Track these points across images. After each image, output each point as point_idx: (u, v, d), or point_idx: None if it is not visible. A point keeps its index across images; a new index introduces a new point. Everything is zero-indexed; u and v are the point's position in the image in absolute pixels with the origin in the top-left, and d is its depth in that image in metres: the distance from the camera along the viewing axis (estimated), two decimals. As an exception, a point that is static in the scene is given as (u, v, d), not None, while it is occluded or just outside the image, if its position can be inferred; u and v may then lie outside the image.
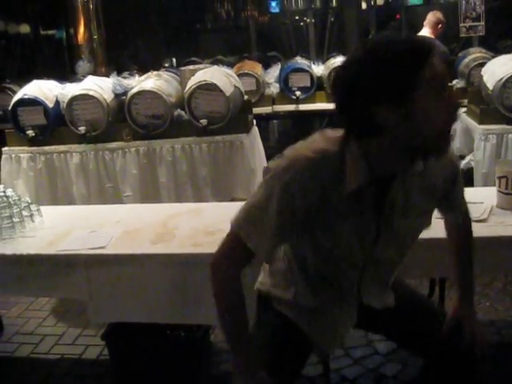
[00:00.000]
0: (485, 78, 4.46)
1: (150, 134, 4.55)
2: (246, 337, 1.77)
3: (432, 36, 5.78)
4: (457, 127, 4.81)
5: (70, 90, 4.66)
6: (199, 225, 2.77)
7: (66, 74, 7.96)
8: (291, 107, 6.41)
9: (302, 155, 1.59)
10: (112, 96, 4.65)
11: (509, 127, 4.28)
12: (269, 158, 4.96)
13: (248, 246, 1.65)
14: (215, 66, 5.05)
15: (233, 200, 4.21)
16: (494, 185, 2.77)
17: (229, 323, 1.75)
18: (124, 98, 4.61)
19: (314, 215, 1.62)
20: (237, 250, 1.69)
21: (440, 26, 5.95)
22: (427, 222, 1.84)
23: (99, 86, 4.63)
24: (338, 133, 1.63)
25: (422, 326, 1.99)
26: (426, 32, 5.87)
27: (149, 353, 2.89)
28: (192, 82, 4.51)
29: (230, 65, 6.39)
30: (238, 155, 4.54)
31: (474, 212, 2.54)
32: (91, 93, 4.54)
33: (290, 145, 1.65)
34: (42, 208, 3.03)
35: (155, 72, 4.94)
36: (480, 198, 2.73)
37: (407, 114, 1.45)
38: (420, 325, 1.99)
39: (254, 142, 4.74)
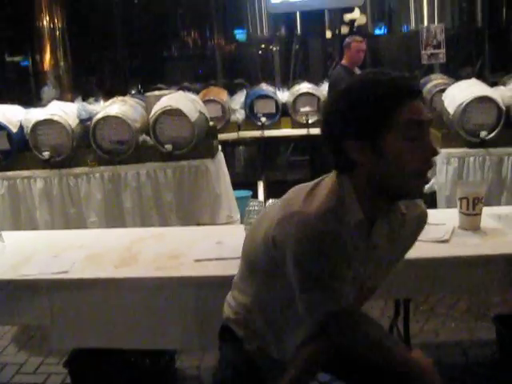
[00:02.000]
0: (446, 103, 4.54)
1: (115, 159, 4.53)
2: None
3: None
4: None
5: (34, 114, 4.63)
6: (163, 249, 2.75)
7: (31, 100, 7.89)
8: (257, 133, 6.40)
9: (309, 218, 1.54)
10: (77, 121, 4.62)
11: (469, 150, 4.36)
12: (234, 183, 4.98)
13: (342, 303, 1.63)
14: (180, 92, 5.07)
15: (198, 225, 4.20)
16: (456, 206, 2.80)
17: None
18: (89, 123, 4.58)
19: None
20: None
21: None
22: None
23: (64, 111, 4.60)
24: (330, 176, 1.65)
25: None
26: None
27: (113, 380, 2.85)
28: (157, 108, 4.51)
29: (197, 91, 6.40)
30: (203, 180, 4.54)
31: (437, 233, 2.58)
32: (56, 118, 4.51)
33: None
34: (4, 233, 2.98)
35: (120, 97, 4.93)
36: (442, 219, 2.76)
37: (379, 153, 1.48)
38: None
39: (219, 167, 4.75)
